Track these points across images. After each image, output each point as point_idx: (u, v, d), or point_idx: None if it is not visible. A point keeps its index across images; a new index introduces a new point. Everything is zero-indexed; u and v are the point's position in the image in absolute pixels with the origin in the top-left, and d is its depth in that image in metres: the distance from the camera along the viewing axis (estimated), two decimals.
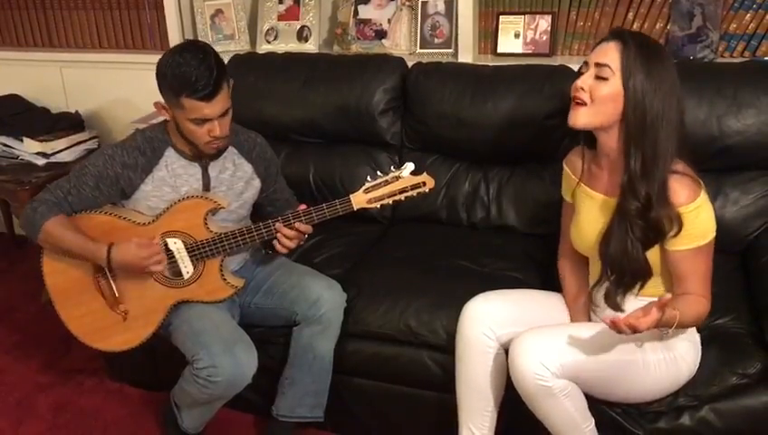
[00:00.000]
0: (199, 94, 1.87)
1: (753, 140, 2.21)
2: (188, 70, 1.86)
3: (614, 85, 1.65)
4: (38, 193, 2.07)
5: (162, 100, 1.96)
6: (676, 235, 1.66)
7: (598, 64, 1.67)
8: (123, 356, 2.16)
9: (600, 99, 1.66)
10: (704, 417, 1.84)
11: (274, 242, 2.04)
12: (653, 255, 1.72)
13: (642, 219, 1.66)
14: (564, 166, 1.97)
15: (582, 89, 1.68)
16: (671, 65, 1.68)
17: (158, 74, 1.93)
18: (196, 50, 1.91)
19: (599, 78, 1.67)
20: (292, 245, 2.04)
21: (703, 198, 1.67)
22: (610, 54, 1.66)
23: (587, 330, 1.78)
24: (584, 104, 1.69)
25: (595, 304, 1.91)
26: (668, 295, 1.55)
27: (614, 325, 1.55)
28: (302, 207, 2.02)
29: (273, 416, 2.19)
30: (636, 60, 1.63)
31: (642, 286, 1.76)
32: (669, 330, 1.63)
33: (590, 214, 1.83)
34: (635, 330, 1.54)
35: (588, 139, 1.82)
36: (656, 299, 1.60)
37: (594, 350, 1.72)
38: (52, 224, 1.99)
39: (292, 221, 2.00)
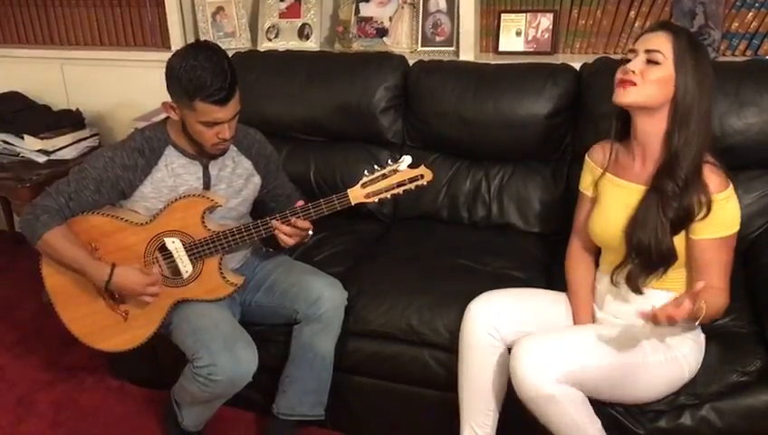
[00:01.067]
0: (214, 98, 1.86)
1: (755, 139, 2.21)
2: (204, 74, 1.84)
3: (666, 70, 1.69)
4: (39, 192, 2.06)
5: (170, 99, 1.95)
6: (703, 219, 1.69)
7: (649, 50, 1.70)
8: (124, 354, 2.15)
9: (651, 81, 1.70)
10: (704, 416, 1.84)
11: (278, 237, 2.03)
12: (678, 241, 1.74)
13: (677, 201, 1.70)
14: (587, 158, 1.98)
15: (633, 72, 1.71)
16: (710, 62, 1.74)
17: (169, 75, 1.92)
18: (209, 52, 1.89)
19: (650, 62, 1.70)
20: (291, 241, 2.03)
21: (732, 189, 1.72)
22: (662, 42, 1.70)
23: (587, 334, 1.79)
24: (633, 84, 1.71)
25: (599, 300, 1.92)
26: (701, 284, 1.58)
27: (654, 318, 1.57)
28: (300, 203, 2.01)
29: (273, 414, 2.19)
30: (687, 50, 1.68)
31: (665, 271, 1.77)
32: (696, 323, 1.66)
33: (616, 202, 1.84)
34: (672, 321, 1.56)
35: (618, 130, 1.85)
36: (669, 293, 1.73)
37: (595, 354, 1.72)
38: (54, 235, 1.98)
39: (290, 217, 1.99)
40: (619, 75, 1.75)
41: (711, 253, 1.73)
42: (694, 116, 1.69)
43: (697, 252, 1.74)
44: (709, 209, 1.69)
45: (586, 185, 1.99)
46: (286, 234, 2.00)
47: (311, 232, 2.07)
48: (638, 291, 1.80)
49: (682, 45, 1.68)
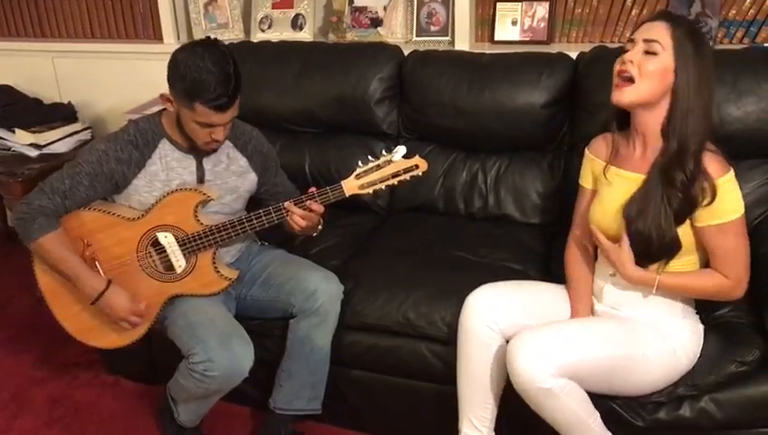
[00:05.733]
0: (214, 104, 1.85)
1: (754, 128, 2.20)
2: (209, 78, 1.82)
3: (664, 60, 1.67)
4: (31, 186, 2.03)
5: (168, 91, 1.93)
6: (708, 204, 1.68)
7: (647, 40, 1.68)
8: (119, 350, 2.13)
9: (648, 74, 1.68)
10: (703, 407, 1.84)
11: (288, 220, 2.01)
12: (684, 230, 1.73)
13: (683, 192, 1.68)
14: (587, 152, 1.96)
15: (631, 62, 1.69)
16: (710, 49, 1.72)
17: (172, 69, 1.88)
18: (217, 55, 1.85)
19: (648, 53, 1.68)
20: (302, 224, 2.02)
21: (732, 174, 1.71)
22: (660, 31, 1.68)
23: (585, 327, 1.78)
24: (631, 81, 1.70)
25: (598, 292, 1.90)
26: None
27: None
28: (312, 189, 2.00)
29: (270, 409, 2.18)
30: (686, 38, 1.66)
31: (668, 261, 1.75)
32: (653, 290, 1.74)
33: (617, 192, 1.82)
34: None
35: (617, 124, 1.84)
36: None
37: (591, 347, 1.71)
38: (50, 241, 1.96)
39: (286, 215, 1.99)
40: (617, 66, 1.73)
41: (715, 240, 1.72)
42: (696, 105, 1.67)
43: (704, 240, 1.73)
44: (714, 194, 1.67)
45: (586, 179, 1.97)
46: (299, 216, 2.00)
47: (320, 226, 2.10)
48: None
49: (681, 34, 1.66)
